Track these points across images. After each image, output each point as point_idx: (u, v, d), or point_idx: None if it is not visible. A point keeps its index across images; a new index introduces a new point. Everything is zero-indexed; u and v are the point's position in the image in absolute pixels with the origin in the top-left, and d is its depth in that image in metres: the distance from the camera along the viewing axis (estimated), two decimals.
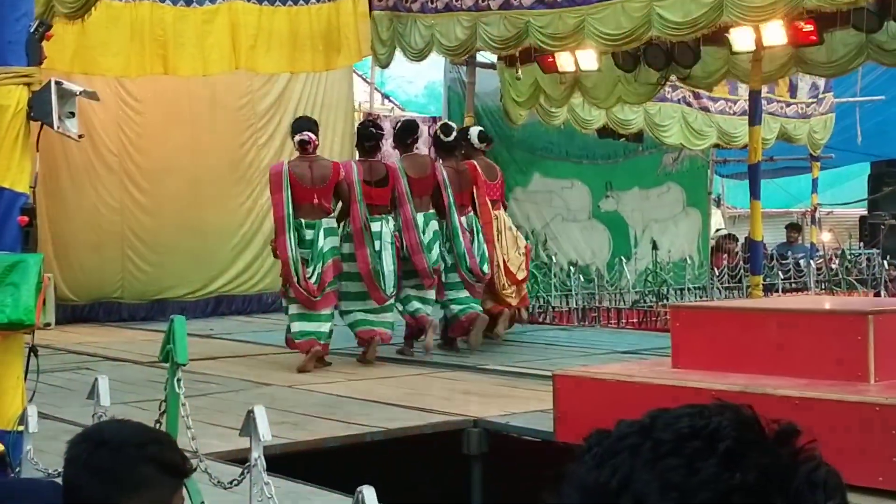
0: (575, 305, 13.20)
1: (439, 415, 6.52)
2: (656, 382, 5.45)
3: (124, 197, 12.32)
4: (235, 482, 3.70)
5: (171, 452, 2.12)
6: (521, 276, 9.75)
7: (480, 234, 9.27)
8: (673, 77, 12.15)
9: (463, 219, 9.17)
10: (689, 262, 15.44)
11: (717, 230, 19.10)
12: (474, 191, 9.41)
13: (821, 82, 15.33)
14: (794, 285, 15.23)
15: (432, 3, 11.42)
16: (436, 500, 6.42)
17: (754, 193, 11.51)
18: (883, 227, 17.69)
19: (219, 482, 3.75)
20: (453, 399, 7.06)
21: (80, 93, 4.30)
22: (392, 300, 8.76)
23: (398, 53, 11.89)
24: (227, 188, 12.88)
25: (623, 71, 11.86)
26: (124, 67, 10.60)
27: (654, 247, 15.69)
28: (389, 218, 8.75)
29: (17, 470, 4.17)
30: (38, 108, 4.18)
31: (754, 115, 11.46)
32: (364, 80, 16.14)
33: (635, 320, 12.92)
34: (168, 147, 12.44)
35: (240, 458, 4.36)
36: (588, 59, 11.47)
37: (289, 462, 5.13)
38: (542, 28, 10.46)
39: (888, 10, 9.73)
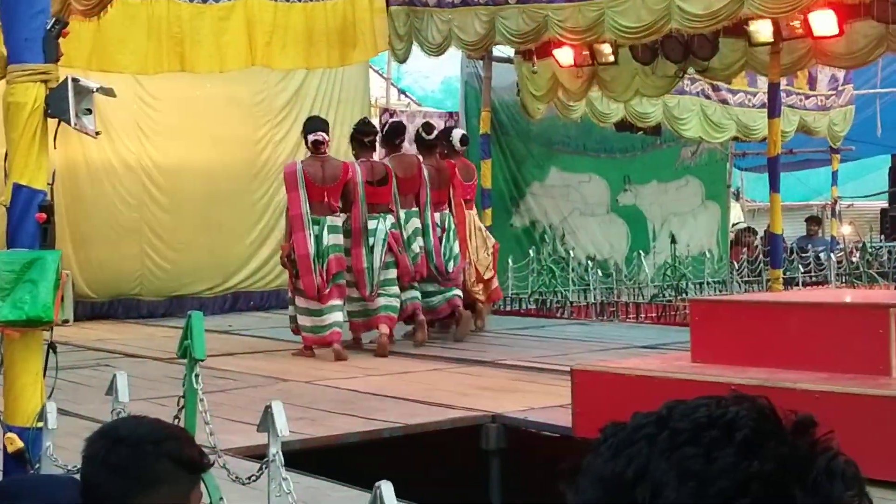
0: (593, 300, 13.16)
1: (457, 410, 6.51)
2: (676, 377, 5.42)
3: (142, 194, 12.37)
4: (254, 478, 3.69)
5: (189, 448, 2.11)
6: (487, 275, 10.26)
7: (452, 232, 9.68)
8: (691, 70, 12.09)
9: (437, 215, 9.60)
10: (708, 255, 15.37)
11: (736, 223, 19.01)
12: (451, 190, 9.80)
13: (840, 74, 15.23)
14: (814, 279, 15.14)
15: None
16: (454, 496, 6.41)
17: (774, 186, 11.44)
18: None
19: (237, 478, 3.75)
20: (471, 394, 7.04)
21: (97, 89, 4.30)
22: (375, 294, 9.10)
23: (415, 48, 11.88)
24: (244, 185, 12.91)
25: (640, 64, 11.81)
26: (142, 65, 10.63)
27: (673, 241, 15.64)
28: (388, 216, 9.10)
29: (36, 466, 4.18)
30: (55, 106, 4.19)
31: (773, 108, 11.39)
32: (380, 75, 16.12)
33: (654, 315, 12.87)
34: (185, 144, 12.47)
35: (258, 454, 4.36)
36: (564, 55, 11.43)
37: (306, 458, 5.13)
38: (562, 22, 10.42)
39: None
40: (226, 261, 12.77)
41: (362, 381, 7.66)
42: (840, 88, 15.67)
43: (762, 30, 10.35)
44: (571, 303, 13.12)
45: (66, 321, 4.29)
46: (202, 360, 3.89)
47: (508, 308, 12.80)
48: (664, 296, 13.92)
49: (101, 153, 11.98)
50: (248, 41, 10.93)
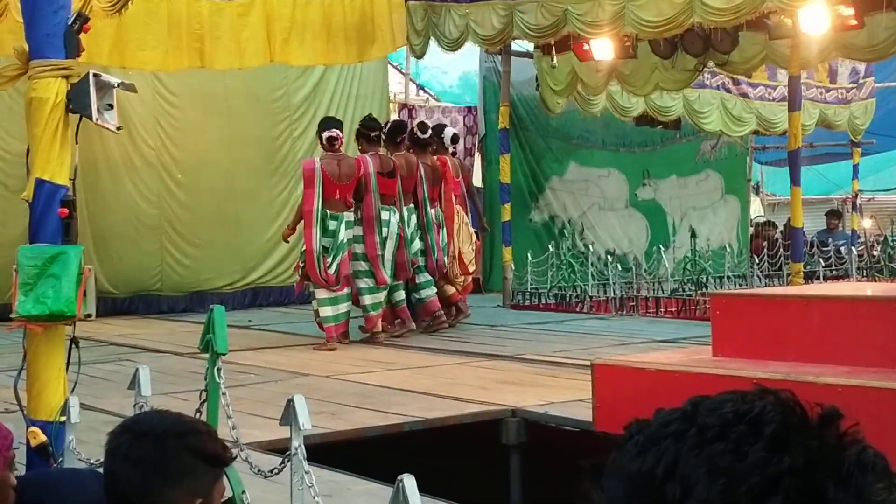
0: (612, 294, 13.12)
1: (477, 404, 6.51)
2: (697, 371, 5.40)
3: (162, 190, 12.42)
4: (276, 471, 3.70)
5: (212, 442, 2.12)
6: (472, 268, 10.85)
7: (443, 228, 10.20)
8: (711, 63, 12.03)
9: (433, 211, 10.05)
10: (728, 249, 15.30)
11: (755, 217, 18.93)
12: (442, 186, 10.25)
13: (861, 67, 15.13)
14: (835, 272, 15.05)
15: None
16: (474, 490, 6.40)
17: (794, 180, 11.38)
18: None
19: (259, 471, 3.76)
20: (491, 388, 7.04)
21: (118, 85, 4.32)
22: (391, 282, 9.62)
23: (432, 43, 11.87)
24: (263, 180, 12.94)
25: (660, 58, 11.76)
26: (162, 61, 10.67)
27: (693, 235, 15.58)
28: (395, 209, 9.53)
29: (59, 460, 4.20)
30: (76, 101, 4.20)
31: (794, 101, 11.33)
32: (399, 70, 16.12)
33: (674, 309, 12.81)
34: (204, 140, 12.51)
35: (279, 448, 4.37)
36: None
37: (327, 452, 5.14)
38: (581, 16, 10.38)
39: None
40: (245, 256, 12.81)
41: (382, 376, 7.67)
42: (861, 81, 15.57)
43: (782, 23, 10.28)
44: (591, 297, 13.08)
45: (88, 316, 4.33)
46: (224, 354, 3.90)
47: (528, 303, 12.78)
48: (684, 290, 13.87)
49: (121, 149, 12.04)
50: (267, 38, 10.96)
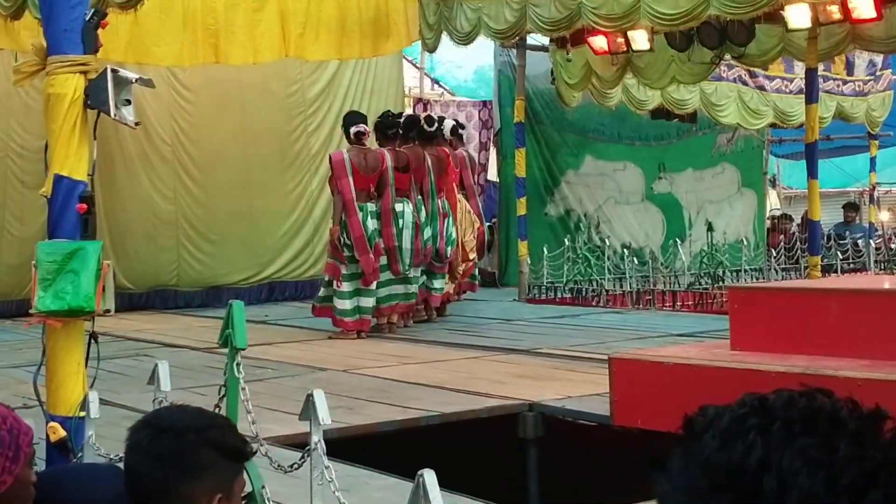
0: (629, 288, 13.10)
1: (494, 398, 6.50)
2: (715, 365, 5.38)
3: (177, 186, 12.44)
4: (296, 466, 3.71)
5: (232, 437, 2.11)
6: (472, 256, 11.27)
7: (450, 217, 10.55)
8: (727, 56, 11.97)
9: (439, 202, 10.34)
10: (744, 243, 15.25)
11: (771, 210, 18.85)
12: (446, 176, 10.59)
13: (878, 59, 15.03)
14: (852, 265, 14.98)
15: None
16: (491, 484, 6.40)
17: (811, 173, 11.32)
18: None
19: (279, 466, 3.77)
20: (508, 382, 7.03)
21: (136, 80, 4.32)
22: (410, 273, 9.88)
23: (445, 37, 11.85)
24: (278, 175, 12.95)
25: (676, 50, 11.70)
26: (177, 57, 10.69)
27: (710, 228, 15.53)
28: (408, 200, 9.79)
29: (79, 455, 4.22)
30: (94, 96, 4.21)
31: (811, 94, 11.27)
32: (414, 65, 16.11)
33: (691, 303, 12.78)
34: (219, 135, 12.53)
35: (298, 443, 4.37)
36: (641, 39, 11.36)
37: (344, 446, 5.14)
38: (596, 9, 10.33)
39: None
40: (261, 251, 12.83)
41: (399, 370, 7.67)
42: (878, 73, 15.47)
43: (799, 15, 10.21)
44: (607, 291, 13.06)
45: (107, 311, 4.32)
46: (243, 349, 3.90)
47: (544, 297, 12.77)
48: (700, 284, 13.83)
49: (137, 145, 12.07)
50: (282, 32, 10.97)
